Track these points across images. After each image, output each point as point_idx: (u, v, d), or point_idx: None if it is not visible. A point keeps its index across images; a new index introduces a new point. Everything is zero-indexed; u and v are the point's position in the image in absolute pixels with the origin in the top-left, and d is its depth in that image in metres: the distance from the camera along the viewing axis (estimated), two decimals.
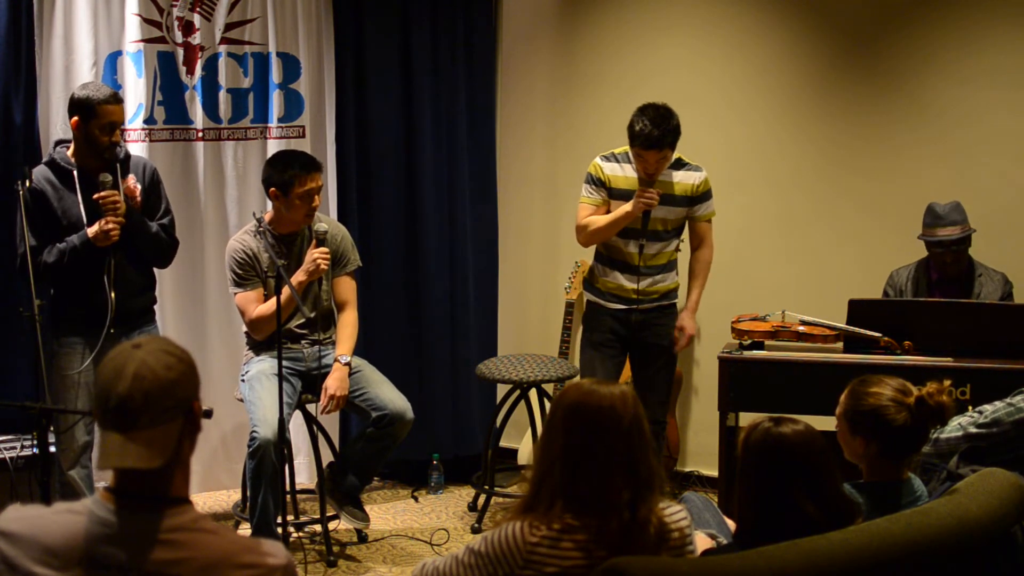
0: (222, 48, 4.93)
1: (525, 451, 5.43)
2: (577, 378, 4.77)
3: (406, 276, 5.41)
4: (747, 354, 4.31)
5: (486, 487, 4.94)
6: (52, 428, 3.45)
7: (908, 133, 4.99)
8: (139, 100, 4.77)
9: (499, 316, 5.74)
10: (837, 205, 5.15)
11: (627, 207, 4.36)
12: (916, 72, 4.97)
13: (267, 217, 4.38)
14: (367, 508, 4.57)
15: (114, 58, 4.72)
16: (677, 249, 4.59)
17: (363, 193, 5.30)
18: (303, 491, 4.97)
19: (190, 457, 1.93)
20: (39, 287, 3.73)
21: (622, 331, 4.55)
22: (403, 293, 5.41)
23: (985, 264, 4.62)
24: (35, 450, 3.34)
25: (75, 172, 3.93)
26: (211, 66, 4.91)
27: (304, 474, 5.09)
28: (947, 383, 2.78)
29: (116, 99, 3.93)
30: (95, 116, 3.86)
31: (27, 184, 3.83)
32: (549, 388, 5.18)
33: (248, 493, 4.18)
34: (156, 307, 4.29)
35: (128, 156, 4.09)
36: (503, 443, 5.33)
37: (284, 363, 4.01)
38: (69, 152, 3.97)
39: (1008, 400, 3.33)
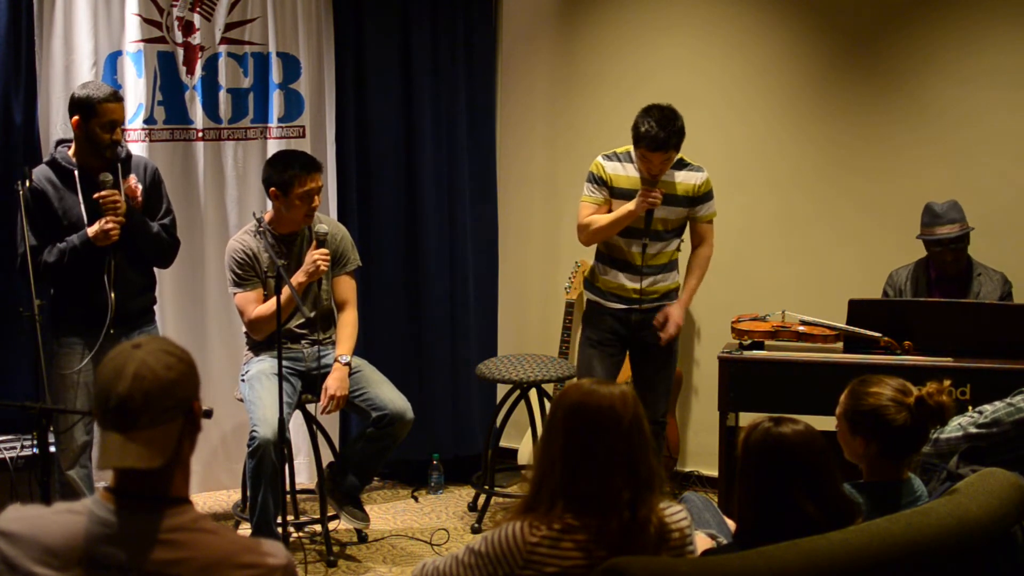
0: (222, 48, 4.93)
1: (525, 451, 5.43)
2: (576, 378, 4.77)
3: (406, 276, 5.41)
4: (747, 354, 4.31)
5: (486, 487, 4.94)
6: (52, 428, 3.45)
7: (908, 133, 4.99)
8: (139, 100, 4.77)
9: (499, 316, 5.74)
10: (837, 205, 5.15)
11: (630, 206, 4.36)
12: (916, 72, 4.97)
13: (267, 217, 4.38)
14: (367, 508, 4.57)
15: (114, 58, 4.72)
16: (678, 249, 4.59)
17: (363, 193, 5.30)
18: (303, 491, 4.97)
19: (190, 457, 1.93)
20: (39, 287, 3.73)
21: (622, 331, 4.55)
22: (403, 293, 5.41)
23: (984, 264, 4.62)
24: (35, 450, 3.34)
25: (76, 172, 3.93)
26: (211, 66, 4.91)
27: (304, 474, 5.09)
28: (947, 383, 2.78)
29: (116, 97, 3.93)
30: (96, 115, 3.86)
31: (27, 184, 3.83)
32: (549, 388, 5.18)
33: (248, 493, 4.18)
34: (156, 307, 4.29)
35: (129, 156, 4.09)
36: (503, 443, 5.33)
37: (284, 363, 4.01)
38: (70, 152, 3.97)
39: (1008, 400, 3.33)
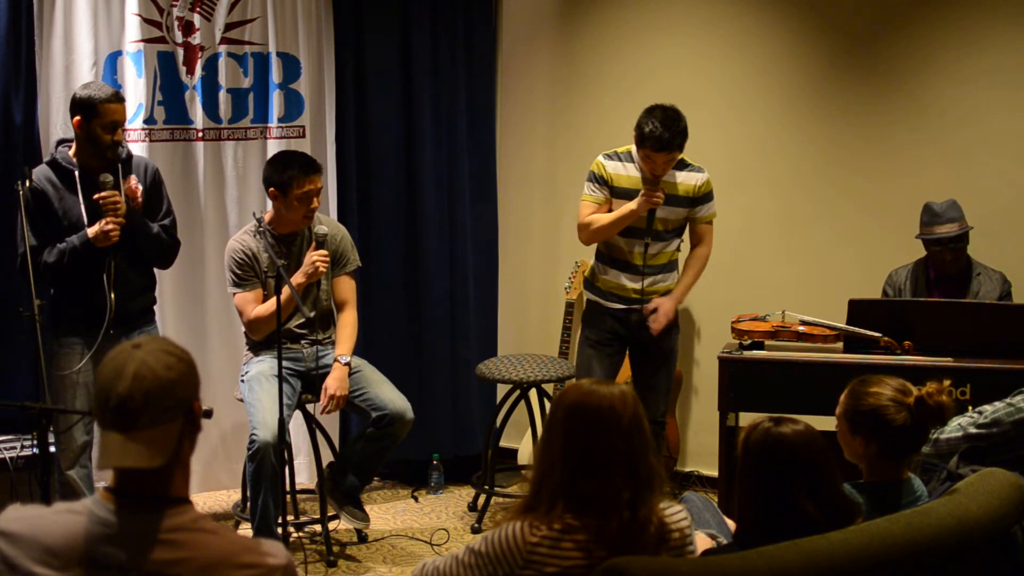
0: (222, 48, 4.93)
1: (525, 451, 5.43)
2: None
3: (406, 276, 5.41)
4: (747, 354, 4.31)
5: (486, 487, 4.94)
6: (52, 428, 3.45)
7: (908, 133, 4.99)
8: (139, 100, 4.77)
9: (499, 316, 5.74)
10: (837, 205, 5.15)
11: (632, 205, 4.36)
12: (916, 72, 4.97)
13: (267, 217, 4.38)
14: (367, 508, 4.57)
15: (114, 58, 4.72)
16: (678, 249, 4.59)
17: (363, 193, 5.30)
18: (303, 491, 4.97)
19: (190, 457, 1.93)
20: (39, 287, 3.73)
21: (622, 331, 4.55)
22: (403, 293, 5.41)
23: (984, 263, 4.62)
24: (35, 450, 3.34)
25: (76, 172, 3.93)
26: (211, 66, 4.92)
27: (304, 474, 5.09)
28: (947, 383, 2.78)
29: (118, 98, 3.93)
30: (97, 115, 3.86)
31: (27, 184, 3.83)
32: (549, 388, 5.18)
33: (248, 495, 4.18)
34: (156, 307, 4.28)
35: (130, 156, 4.09)
36: (503, 443, 5.33)
37: (284, 363, 4.01)
38: (71, 152, 3.97)
39: (1008, 400, 3.33)
